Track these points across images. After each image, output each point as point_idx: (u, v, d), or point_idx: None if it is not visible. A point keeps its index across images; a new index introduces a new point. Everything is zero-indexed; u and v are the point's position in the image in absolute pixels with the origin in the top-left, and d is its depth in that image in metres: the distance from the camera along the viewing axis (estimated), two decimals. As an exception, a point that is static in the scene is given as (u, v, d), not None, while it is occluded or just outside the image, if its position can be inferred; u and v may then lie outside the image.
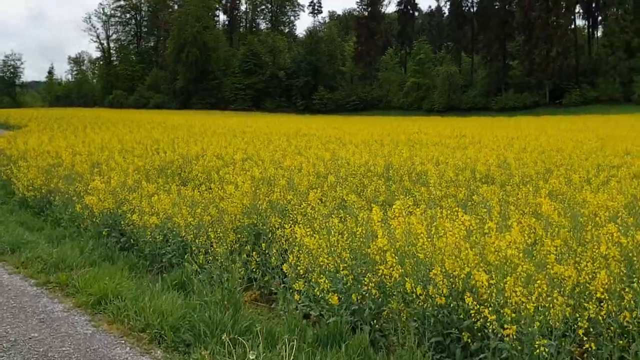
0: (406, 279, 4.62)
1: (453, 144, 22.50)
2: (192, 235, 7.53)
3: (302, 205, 7.32)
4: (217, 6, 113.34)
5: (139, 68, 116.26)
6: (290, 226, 6.51)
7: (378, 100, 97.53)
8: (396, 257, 4.74)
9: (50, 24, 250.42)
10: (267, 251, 7.01)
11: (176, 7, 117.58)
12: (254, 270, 7.09)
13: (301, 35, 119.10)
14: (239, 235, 7.66)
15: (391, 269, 4.72)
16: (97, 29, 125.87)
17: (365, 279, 4.92)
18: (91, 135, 28.71)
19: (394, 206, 5.27)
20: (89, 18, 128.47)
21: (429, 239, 4.76)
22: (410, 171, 9.84)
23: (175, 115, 67.61)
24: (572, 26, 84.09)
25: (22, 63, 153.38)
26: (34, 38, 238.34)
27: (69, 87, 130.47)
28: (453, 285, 4.47)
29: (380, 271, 4.81)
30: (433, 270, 4.44)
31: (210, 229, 7.45)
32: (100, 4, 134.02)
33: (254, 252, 7.13)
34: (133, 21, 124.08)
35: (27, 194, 13.23)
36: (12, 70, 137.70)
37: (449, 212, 5.70)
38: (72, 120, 53.90)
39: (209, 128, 34.64)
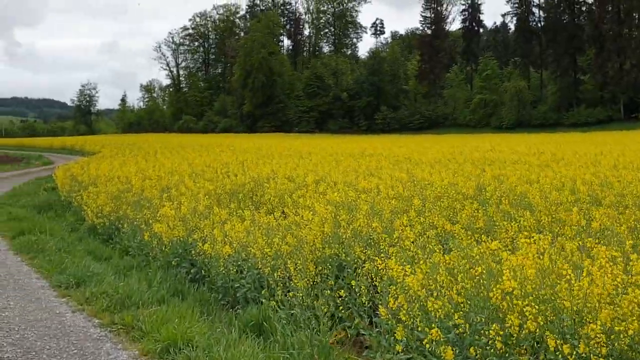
0: (547, 333, 3.59)
1: (534, 161, 20.99)
2: (269, 268, 6.73)
3: (393, 236, 6.38)
4: (282, 32, 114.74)
5: (207, 94, 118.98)
6: (382, 260, 5.59)
7: (443, 118, 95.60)
8: (533, 305, 3.72)
9: (122, 55, 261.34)
10: (353, 286, 6.12)
11: (242, 34, 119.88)
12: (339, 308, 6.22)
13: (363, 57, 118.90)
14: (320, 268, 6.80)
15: (524, 319, 3.71)
16: (167, 57, 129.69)
17: (491, 330, 3.90)
18: (161, 160, 28.77)
19: (520, 238, 4.24)
20: (159, 47, 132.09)
21: (576, 281, 3.72)
22: (506, 192, 8.70)
23: (241, 138, 68.16)
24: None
25: (97, 92, 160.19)
26: (107, 68, 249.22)
27: (140, 114, 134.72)
28: (614, 345, 3.41)
29: (509, 322, 3.81)
30: (590, 325, 3.39)
31: (289, 260, 6.64)
32: (170, 33, 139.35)
33: (338, 288, 6.27)
34: (201, 49, 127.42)
35: (96, 220, 12.88)
36: (87, 99, 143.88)
37: (579, 243, 4.64)
38: (143, 145, 54.96)
39: (276, 150, 34.24)
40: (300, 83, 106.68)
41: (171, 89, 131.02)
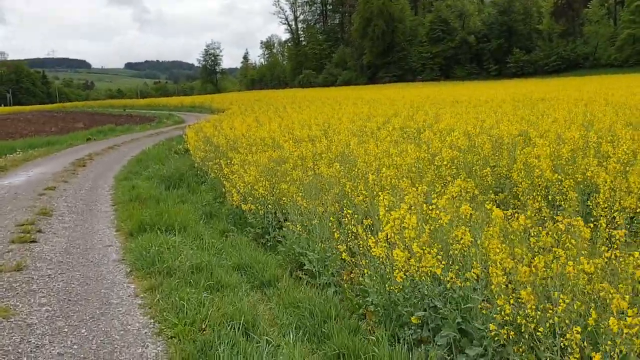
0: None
1: None
2: None
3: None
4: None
5: (326, 46, 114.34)
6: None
7: (583, 58, 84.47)
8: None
9: (240, 15, 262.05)
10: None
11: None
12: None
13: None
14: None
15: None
16: (285, 11, 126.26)
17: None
18: (296, 115, 24.60)
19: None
20: (278, 1, 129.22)
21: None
22: None
23: (365, 90, 62.84)
24: None
25: (221, 51, 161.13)
26: (227, 29, 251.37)
27: (261, 71, 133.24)
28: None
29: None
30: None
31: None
32: None
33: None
34: (319, 0, 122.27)
35: (244, 206, 8.64)
36: (212, 58, 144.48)
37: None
38: (269, 101, 51.65)
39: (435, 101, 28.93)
40: (423, 28, 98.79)
41: (290, 44, 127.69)
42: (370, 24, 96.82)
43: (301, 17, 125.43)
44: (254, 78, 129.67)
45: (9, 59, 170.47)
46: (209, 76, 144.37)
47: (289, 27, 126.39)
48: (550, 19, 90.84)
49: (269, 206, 8.22)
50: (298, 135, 12.77)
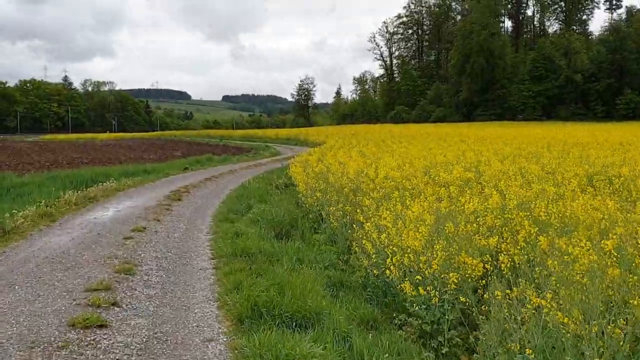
0: None
1: None
2: None
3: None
4: (503, 11, 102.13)
5: (421, 83, 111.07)
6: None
7: None
8: None
9: (329, 51, 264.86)
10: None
11: (458, 17, 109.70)
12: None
13: (596, 34, 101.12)
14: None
15: None
16: (381, 47, 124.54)
17: None
18: (411, 149, 21.68)
19: None
20: (374, 37, 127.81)
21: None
22: None
23: (463, 127, 58.85)
24: None
25: (314, 86, 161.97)
26: (317, 65, 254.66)
27: (353, 106, 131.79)
28: None
29: None
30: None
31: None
32: (384, 22, 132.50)
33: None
34: (415, 36, 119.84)
35: (406, 287, 5.74)
36: (306, 93, 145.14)
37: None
38: (366, 135, 49.06)
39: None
40: (525, 66, 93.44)
41: (383, 79, 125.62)
42: (469, 60, 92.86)
43: (396, 53, 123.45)
44: (346, 113, 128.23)
45: (116, 88, 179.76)
46: (301, 110, 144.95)
47: (383, 63, 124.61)
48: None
49: (449, 293, 5.28)
50: (442, 178, 9.78)
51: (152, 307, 6.08)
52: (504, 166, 11.27)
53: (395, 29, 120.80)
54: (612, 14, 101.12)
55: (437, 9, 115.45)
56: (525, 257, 4.97)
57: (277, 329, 5.09)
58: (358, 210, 9.28)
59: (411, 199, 7.97)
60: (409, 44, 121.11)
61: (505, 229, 6.24)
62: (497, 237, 5.47)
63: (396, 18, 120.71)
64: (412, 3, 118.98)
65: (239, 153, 41.65)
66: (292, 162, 20.18)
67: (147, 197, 15.65)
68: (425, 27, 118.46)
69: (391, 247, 6.22)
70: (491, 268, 5.41)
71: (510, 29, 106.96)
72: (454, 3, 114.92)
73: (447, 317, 5.40)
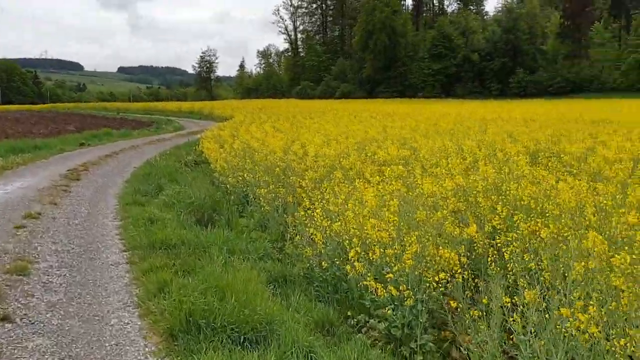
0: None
1: None
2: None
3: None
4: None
5: (325, 58, 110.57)
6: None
7: (588, 81, 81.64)
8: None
9: (233, 24, 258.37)
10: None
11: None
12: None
13: (491, 14, 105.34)
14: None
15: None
16: (285, 20, 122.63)
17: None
18: (330, 125, 20.95)
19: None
20: (278, 10, 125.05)
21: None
22: None
23: (384, 104, 59.15)
24: None
25: (216, 59, 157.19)
26: (219, 37, 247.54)
27: (258, 80, 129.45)
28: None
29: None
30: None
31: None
32: None
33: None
34: (319, 11, 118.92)
35: (372, 284, 4.93)
36: (208, 65, 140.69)
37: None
38: (274, 110, 48.04)
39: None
40: (425, 44, 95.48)
41: (288, 54, 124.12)
42: (372, 37, 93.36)
43: (301, 27, 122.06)
44: (250, 87, 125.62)
45: (0, 57, 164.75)
46: (203, 83, 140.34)
47: (287, 37, 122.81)
48: (555, 40, 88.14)
49: (426, 292, 4.50)
50: (381, 156, 9.04)
51: (56, 320, 4.84)
52: (436, 143, 10.73)
53: (300, 3, 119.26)
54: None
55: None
56: (519, 248, 4.27)
57: (222, 348, 4.08)
58: (293, 193, 8.36)
59: (355, 179, 7.14)
60: (314, 19, 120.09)
61: (470, 214, 5.57)
62: (475, 225, 4.74)
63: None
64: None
65: (139, 127, 39.07)
66: (203, 138, 18.80)
67: (40, 177, 13.77)
68: (329, 2, 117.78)
69: (347, 238, 5.35)
70: (466, 261, 4.70)
71: (411, 7, 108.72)
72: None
73: (420, 319, 4.64)
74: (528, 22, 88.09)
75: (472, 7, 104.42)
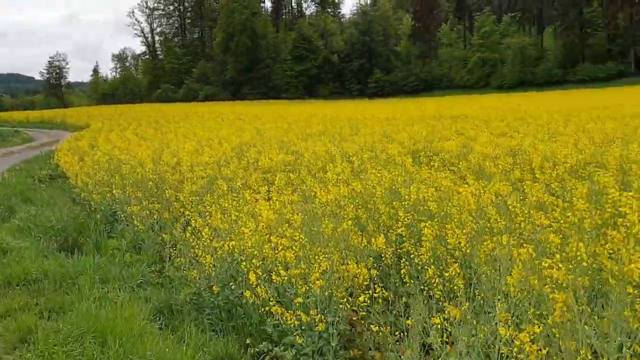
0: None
1: None
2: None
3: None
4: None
5: (186, 60, 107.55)
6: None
7: (439, 79, 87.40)
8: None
9: (82, 26, 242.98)
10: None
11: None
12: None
13: (347, 17, 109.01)
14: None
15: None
16: (141, 23, 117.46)
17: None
18: (198, 129, 20.02)
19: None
20: (133, 12, 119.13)
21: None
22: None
23: (250, 106, 58.61)
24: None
25: (67, 64, 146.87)
26: (69, 40, 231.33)
27: (114, 84, 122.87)
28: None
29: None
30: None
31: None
32: None
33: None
34: (177, 13, 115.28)
35: (273, 309, 4.43)
36: (57, 71, 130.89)
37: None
38: (135, 115, 45.75)
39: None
40: (286, 46, 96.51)
41: (146, 57, 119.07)
42: (233, 39, 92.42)
43: (158, 29, 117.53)
44: (106, 92, 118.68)
45: None
46: (53, 89, 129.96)
47: (144, 40, 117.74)
48: (407, 41, 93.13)
49: (337, 314, 4.10)
50: (265, 163, 8.56)
51: None
52: (317, 146, 10.48)
53: (156, 5, 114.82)
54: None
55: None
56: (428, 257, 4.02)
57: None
58: (169, 208, 7.62)
59: (242, 191, 6.60)
60: (171, 21, 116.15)
61: (370, 222, 5.28)
62: (382, 235, 4.44)
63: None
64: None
65: (-21, 140, 35.02)
66: (59, 150, 17.05)
67: None
68: (187, 4, 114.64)
69: (242, 258, 4.82)
70: (376, 273, 4.39)
71: (270, 9, 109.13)
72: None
73: (332, 343, 4.24)
74: (382, 24, 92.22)
75: (329, 10, 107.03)
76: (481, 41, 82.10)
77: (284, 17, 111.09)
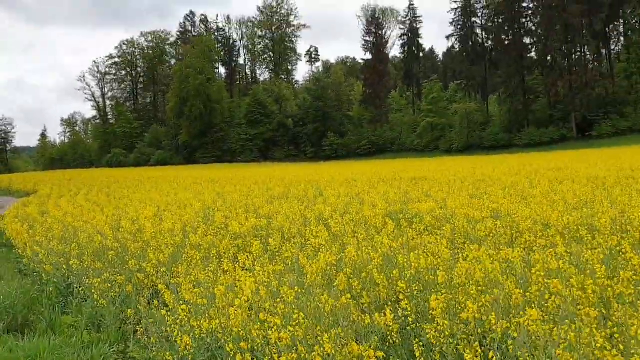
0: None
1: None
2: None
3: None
4: (217, 57, 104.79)
5: (138, 125, 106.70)
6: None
7: (390, 143, 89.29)
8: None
9: (31, 91, 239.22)
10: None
11: (174, 61, 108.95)
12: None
13: (301, 83, 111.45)
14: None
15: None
16: (92, 87, 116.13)
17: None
18: (152, 195, 19.24)
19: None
20: (84, 77, 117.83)
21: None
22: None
23: (205, 170, 57.86)
24: (595, 55, 77.57)
25: (13, 128, 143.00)
26: (15, 104, 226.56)
27: (63, 149, 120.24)
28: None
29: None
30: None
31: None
32: (95, 61, 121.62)
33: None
34: (129, 78, 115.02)
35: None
36: (2, 136, 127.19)
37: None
38: (85, 180, 44.38)
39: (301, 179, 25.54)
40: (241, 111, 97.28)
41: (97, 121, 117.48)
42: (186, 104, 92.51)
43: (109, 94, 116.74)
44: (54, 157, 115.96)
45: None
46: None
47: (95, 104, 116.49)
48: (359, 107, 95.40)
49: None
50: (235, 228, 8.01)
51: None
52: (284, 209, 10.02)
53: (108, 70, 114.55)
54: (312, 65, 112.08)
55: (151, 52, 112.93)
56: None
57: None
58: (131, 280, 6.95)
59: (217, 259, 6.03)
60: (123, 85, 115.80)
61: (365, 294, 4.81)
62: (388, 311, 3.97)
63: (108, 58, 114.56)
64: (125, 44, 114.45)
65: None
66: (5, 217, 15.96)
67: None
68: (139, 69, 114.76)
69: (228, 340, 4.23)
70: (382, 355, 3.89)
71: (224, 75, 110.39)
72: (167, 47, 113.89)
73: None
74: (335, 90, 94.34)
75: (283, 76, 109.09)
76: (430, 107, 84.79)
77: (238, 83, 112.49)
